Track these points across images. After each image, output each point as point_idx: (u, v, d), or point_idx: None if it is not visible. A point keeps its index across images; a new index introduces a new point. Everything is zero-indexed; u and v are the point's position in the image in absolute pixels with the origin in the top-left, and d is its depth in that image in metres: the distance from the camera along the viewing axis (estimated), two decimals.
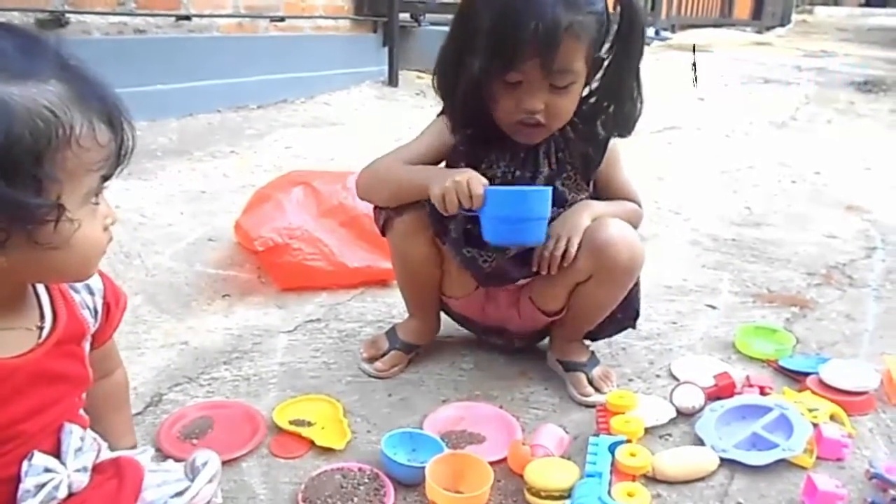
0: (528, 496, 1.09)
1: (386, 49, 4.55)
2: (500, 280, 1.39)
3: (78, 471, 0.78)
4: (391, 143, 1.42)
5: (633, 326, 1.49)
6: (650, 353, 1.58)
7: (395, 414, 1.32)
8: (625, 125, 1.32)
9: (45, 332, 0.77)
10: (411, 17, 4.81)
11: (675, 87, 5.05)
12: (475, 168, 1.31)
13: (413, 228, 1.34)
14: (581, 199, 1.35)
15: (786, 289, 1.97)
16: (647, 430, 1.24)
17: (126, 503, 0.79)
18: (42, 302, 0.78)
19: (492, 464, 1.12)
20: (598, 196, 1.38)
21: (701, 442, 1.23)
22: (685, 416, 1.31)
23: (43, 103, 0.64)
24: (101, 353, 0.89)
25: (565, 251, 1.28)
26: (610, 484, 1.08)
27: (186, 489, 0.83)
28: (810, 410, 1.28)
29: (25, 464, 0.74)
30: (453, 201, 1.18)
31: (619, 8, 1.23)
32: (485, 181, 1.20)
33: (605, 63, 1.25)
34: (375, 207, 1.39)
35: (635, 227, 1.38)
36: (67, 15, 2.92)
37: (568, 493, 1.06)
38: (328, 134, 3.46)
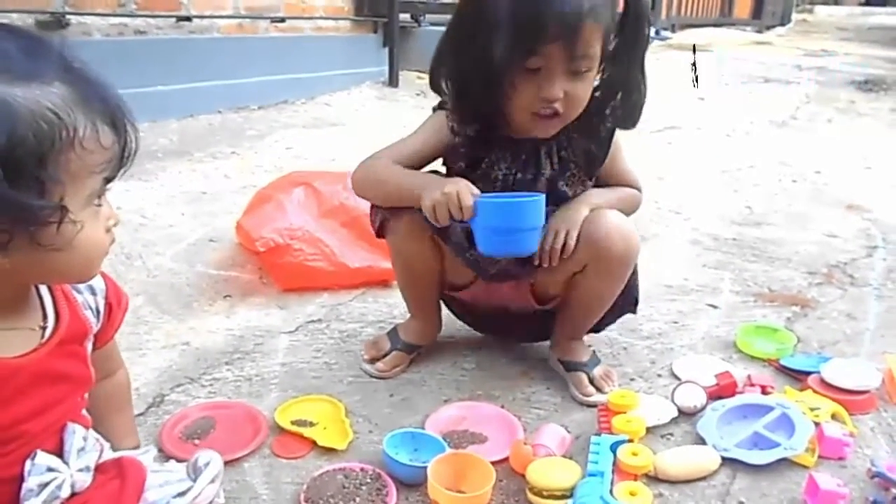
0: (530, 496, 1.09)
1: (386, 49, 4.56)
2: (503, 278, 1.39)
3: (81, 470, 0.78)
4: None
5: (634, 311, 1.49)
6: (651, 353, 1.58)
7: (397, 414, 1.32)
8: (630, 117, 1.31)
9: (47, 332, 0.77)
10: (411, 17, 4.82)
11: (676, 87, 5.05)
12: (475, 168, 1.32)
13: (413, 229, 1.34)
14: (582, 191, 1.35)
15: (787, 288, 1.97)
16: (648, 430, 1.24)
17: (128, 503, 0.79)
18: (45, 302, 0.78)
19: (494, 463, 1.12)
20: (598, 184, 1.38)
21: (702, 441, 1.23)
22: (687, 415, 1.31)
23: (46, 105, 0.64)
24: (103, 354, 0.90)
25: (564, 244, 1.28)
26: (612, 483, 1.08)
27: (189, 489, 0.83)
28: (812, 409, 1.28)
29: (28, 463, 0.74)
30: (444, 213, 1.18)
31: None
32: (476, 191, 1.19)
33: (612, 54, 1.24)
34: (372, 208, 1.39)
35: (634, 211, 1.40)
36: (68, 16, 2.93)
37: (570, 493, 1.06)
38: (329, 134, 3.46)
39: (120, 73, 0.74)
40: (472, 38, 1.21)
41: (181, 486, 0.83)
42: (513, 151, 1.31)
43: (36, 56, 0.66)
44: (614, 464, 1.13)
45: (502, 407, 1.35)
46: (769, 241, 2.34)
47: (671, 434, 1.28)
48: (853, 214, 2.67)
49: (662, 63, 5.97)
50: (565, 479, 1.08)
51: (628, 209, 1.39)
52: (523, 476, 1.11)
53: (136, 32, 3.24)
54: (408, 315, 1.53)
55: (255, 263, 1.87)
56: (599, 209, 1.31)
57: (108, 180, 0.73)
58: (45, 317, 0.78)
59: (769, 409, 1.27)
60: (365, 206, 1.42)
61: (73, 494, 0.77)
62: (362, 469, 1.13)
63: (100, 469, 0.82)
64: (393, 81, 4.55)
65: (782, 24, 12.71)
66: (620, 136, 1.37)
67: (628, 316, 1.51)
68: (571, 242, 1.28)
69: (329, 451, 1.20)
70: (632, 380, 1.47)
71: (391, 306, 1.74)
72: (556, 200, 1.31)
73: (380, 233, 1.39)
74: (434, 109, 1.36)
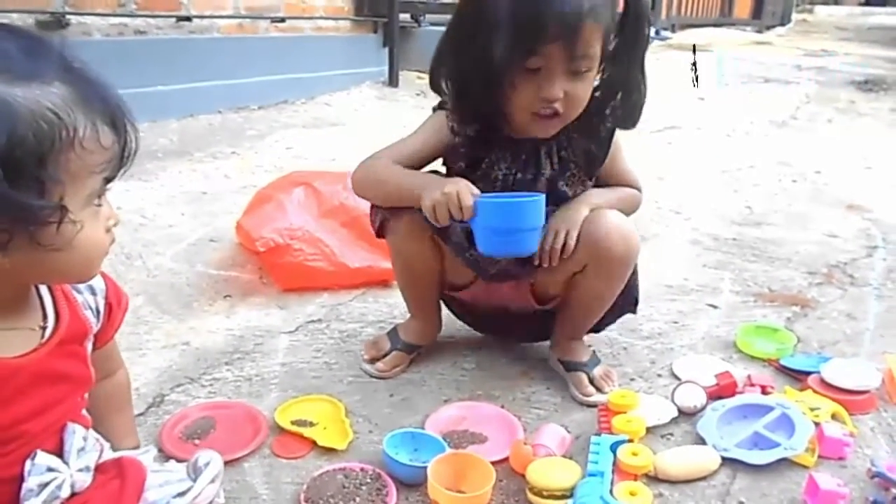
0: (530, 496, 1.09)
1: (386, 49, 4.56)
2: (503, 278, 1.39)
3: (81, 470, 0.78)
4: None
5: (634, 311, 1.49)
6: (651, 353, 1.58)
7: (397, 414, 1.32)
8: (630, 117, 1.31)
9: (47, 332, 0.77)
10: (411, 17, 4.82)
11: (676, 87, 5.05)
12: (475, 168, 1.31)
13: (413, 229, 1.34)
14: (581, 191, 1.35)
15: (787, 288, 1.97)
16: (648, 430, 1.24)
17: (128, 503, 0.79)
18: (45, 302, 0.78)
19: (494, 463, 1.12)
20: (598, 184, 1.38)
21: (703, 441, 1.23)
22: (687, 415, 1.31)
23: (46, 105, 0.64)
24: (102, 354, 0.90)
25: (564, 244, 1.28)
26: (612, 483, 1.08)
27: (189, 489, 0.83)
28: (812, 409, 1.28)
29: (28, 463, 0.74)
30: (444, 214, 1.18)
31: None
32: (476, 191, 1.19)
33: (612, 54, 1.24)
34: (372, 208, 1.39)
35: (634, 211, 1.40)
36: (68, 16, 2.93)
37: (570, 493, 1.06)
38: (329, 134, 3.46)
39: (120, 73, 0.74)
40: (472, 37, 1.21)
41: (181, 486, 0.83)
42: (513, 151, 1.31)
43: (36, 56, 0.66)
44: (614, 464, 1.13)
45: (502, 407, 1.35)
46: (769, 241, 2.34)
47: (671, 434, 1.28)
48: (853, 214, 2.67)
49: (662, 63, 5.97)
50: (565, 479, 1.08)
51: (628, 209, 1.39)
52: (523, 476, 1.11)
53: (136, 32, 3.24)
54: (408, 315, 1.53)
55: (255, 263, 1.88)
56: (599, 209, 1.31)
57: (108, 180, 0.73)
58: (45, 317, 0.78)
59: (769, 409, 1.27)
60: (365, 206, 1.42)
61: (73, 494, 0.77)
62: (362, 469, 1.13)
63: (100, 469, 0.82)
64: (393, 81, 4.55)
65: (782, 24, 12.71)
66: (620, 135, 1.37)
67: (628, 316, 1.51)
68: (571, 242, 1.28)
69: (329, 451, 1.20)
70: (632, 380, 1.47)
71: (391, 306, 1.74)
72: (556, 200, 1.31)
73: (380, 233, 1.39)
74: (434, 109, 1.36)
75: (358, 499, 1.07)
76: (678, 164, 3.33)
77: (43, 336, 0.76)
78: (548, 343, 1.51)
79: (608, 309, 1.41)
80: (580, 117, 1.26)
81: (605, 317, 1.44)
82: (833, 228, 2.49)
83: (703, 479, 1.16)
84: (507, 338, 1.59)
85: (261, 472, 1.15)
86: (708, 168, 3.28)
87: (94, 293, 0.85)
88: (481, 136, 1.30)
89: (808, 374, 1.43)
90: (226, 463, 0.92)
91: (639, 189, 1.42)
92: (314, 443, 1.20)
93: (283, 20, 3.95)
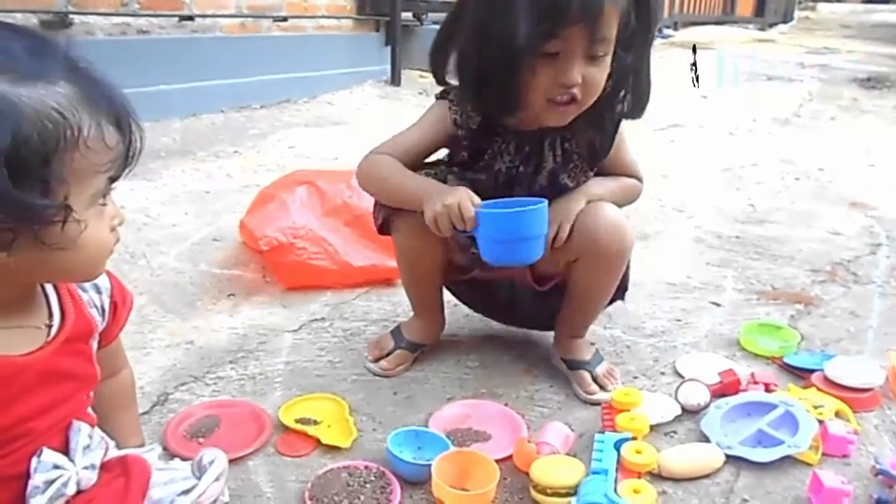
0: (534, 493, 1.09)
1: (388, 48, 4.56)
2: (503, 267, 1.39)
3: (86, 468, 0.78)
4: None
5: (622, 299, 1.49)
6: (655, 351, 1.58)
7: (401, 412, 1.32)
8: (640, 105, 1.30)
9: (53, 331, 0.77)
10: (413, 16, 4.82)
11: (678, 85, 5.04)
12: (478, 158, 1.31)
13: (416, 227, 1.33)
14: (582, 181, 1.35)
15: (790, 286, 1.97)
16: (652, 428, 1.24)
17: (133, 501, 0.79)
18: (50, 300, 0.79)
19: (497, 461, 1.12)
20: (600, 172, 1.38)
21: (706, 439, 1.23)
22: (690, 413, 1.31)
23: (51, 105, 0.64)
24: (108, 353, 0.90)
25: (556, 235, 1.28)
26: (616, 481, 1.09)
27: (193, 487, 0.83)
28: (815, 407, 1.28)
29: (34, 460, 0.75)
30: (446, 225, 1.18)
31: None
32: (477, 200, 1.18)
33: (627, 40, 1.22)
34: (375, 204, 1.39)
35: (633, 201, 1.40)
36: (71, 16, 2.93)
37: (574, 491, 1.06)
38: (331, 133, 3.46)
39: (123, 73, 0.74)
40: (485, 23, 1.17)
41: (186, 484, 0.83)
42: (516, 143, 1.31)
43: (41, 56, 0.66)
44: (618, 461, 1.13)
45: (506, 405, 1.35)
46: (772, 238, 2.34)
47: (675, 432, 1.28)
48: (857, 212, 2.67)
49: (665, 61, 5.96)
50: (569, 477, 1.08)
51: (628, 199, 1.39)
52: (527, 474, 1.11)
53: (138, 32, 3.24)
54: (411, 314, 1.53)
55: (259, 262, 1.88)
56: (595, 203, 1.31)
57: (113, 180, 0.73)
58: (50, 315, 0.78)
59: (773, 406, 1.27)
60: (367, 205, 1.42)
61: (78, 492, 0.78)
62: (366, 467, 1.13)
63: (105, 467, 0.82)
64: (395, 80, 4.55)
65: (785, 22, 12.68)
66: (624, 132, 1.36)
67: (631, 314, 1.51)
68: (563, 235, 1.29)
69: (333, 449, 1.20)
70: (635, 378, 1.47)
71: (395, 305, 1.74)
72: (558, 192, 1.31)
73: (381, 229, 1.39)
74: (437, 97, 1.34)
75: (362, 497, 1.07)
76: (681, 162, 3.33)
77: (49, 334, 0.77)
78: (551, 340, 1.51)
79: None
80: (588, 108, 1.25)
81: None
82: (836, 226, 2.48)
83: (707, 476, 1.16)
84: (512, 324, 1.59)
85: (265, 470, 1.15)
86: (711, 166, 3.28)
87: (99, 292, 0.85)
88: (484, 127, 1.29)
89: (812, 371, 1.43)
90: (230, 461, 0.93)
91: (640, 179, 1.42)
92: (318, 441, 1.21)
93: (285, 19, 3.95)
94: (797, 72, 6.40)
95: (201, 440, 1.20)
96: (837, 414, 1.29)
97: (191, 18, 3.43)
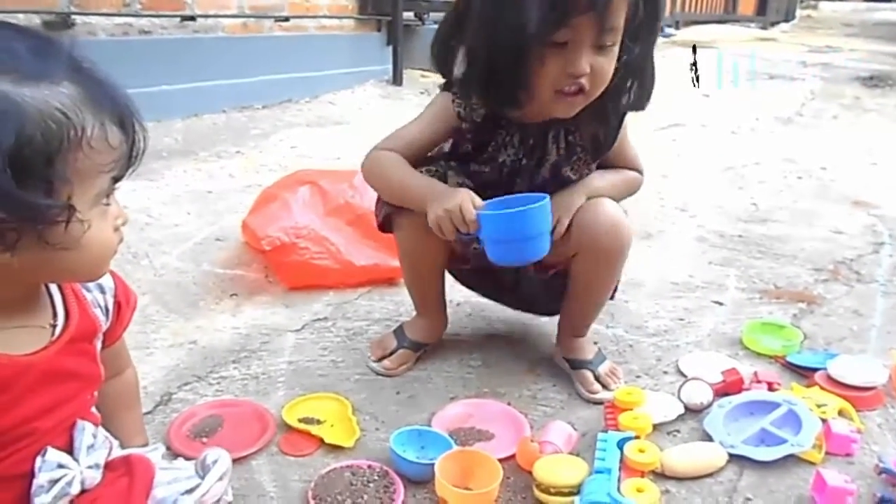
0: (537, 492, 1.09)
1: (390, 48, 4.55)
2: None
3: (90, 467, 0.78)
4: None
5: (612, 297, 1.48)
6: (657, 350, 1.58)
7: (404, 411, 1.33)
8: (642, 100, 1.29)
9: (57, 330, 0.77)
10: (415, 15, 4.82)
11: (680, 84, 5.03)
12: (481, 151, 1.31)
13: (418, 225, 1.33)
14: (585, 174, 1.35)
15: (793, 285, 1.97)
16: (655, 427, 1.24)
17: (137, 500, 0.80)
18: (54, 300, 0.79)
19: (500, 460, 1.12)
20: (602, 164, 1.38)
21: (709, 438, 1.23)
22: (693, 412, 1.31)
23: (55, 105, 0.64)
24: (111, 352, 0.90)
25: (554, 229, 1.28)
26: (619, 480, 1.09)
27: (197, 486, 0.83)
28: (819, 406, 1.28)
29: (39, 460, 0.75)
30: (449, 229, 1.18)
31: None
32: (479, 202, 1.18)
33: (634, 31, 1.21)
34: (378, 200, 1.39)
35: (633, 193, 1.41)
36: (73, 16, 2.93)
37: (577, 490, 1.06)
38: (333, 133, 3.47)
39: (124, 73, 0.74)
40: (494, 13, 1.16)
41: (189, 484, 0.84)
42: (520, 136, 1.30)
43: (45, 56, 0.66)
44: (621, 460, 1.13)
45: (509, 404, 1.35)
46: (775, 237, 2.34)
47: (678, 431, 1.28)
48: (859, 210, 2.67)
49: (667, 60, 5.94)
50: (572, 476, 1.08)
51: (629, 191, 1.40)
52: (530, 473, 1.11)
53: (140, 32, 3.24)
54: (414, 313, 1.53)
55: (261, 262, 1.88)
56: (595, 198, 1.31)
57: (117, 180, 0.73)
58: (54, 315, 0.78)
59: (776, 405, 1.27)
60: (370, 205, 1.42)
61: (82, 491, 0.78)
62: (370, 466, 1.13)
63: (109, 466, 0.82)
64: (397, 80, 4.55)
65: (786, 21, 12.66)
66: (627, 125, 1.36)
67: (634, 313, 1.51)
68: (562, 228, 1.29)
69: (336, 448, 1.20)
70: (638, 377, 1.47)
71: (397, 304, 1.74)
72: (560, 185, 1.31)
73: (382, 226, 1.39)
74: (441, 88, 1.33)
75: (365, 496, 1.07)
76: (683, 161, 3.33)
77: (53, 334, 0.77)
78: (553, 340, 1.51)
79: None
80: (593, 100, 1.24)
81: None
82: (839, 225, 2.48)
83: (710, 475, 1.16)
84: (515, 306, 1.60)
85: (269, 469, 1.15)
86: (713, 165, 3.27)
87: (103, 291, 0.85)
88: (489, 120, 1.29)
89: (815, 370, 1.43)
90: (234, 461, 0.93)
91: (641, 171, 1.42)
92: (321, 440, 1.21)
93: (287, 19, 3.95)
94: (799, 70, 6.40)
95: (205, 440, 1.20)
96: (841, 413, 1.29)
97: (193, 19, 3.44)
